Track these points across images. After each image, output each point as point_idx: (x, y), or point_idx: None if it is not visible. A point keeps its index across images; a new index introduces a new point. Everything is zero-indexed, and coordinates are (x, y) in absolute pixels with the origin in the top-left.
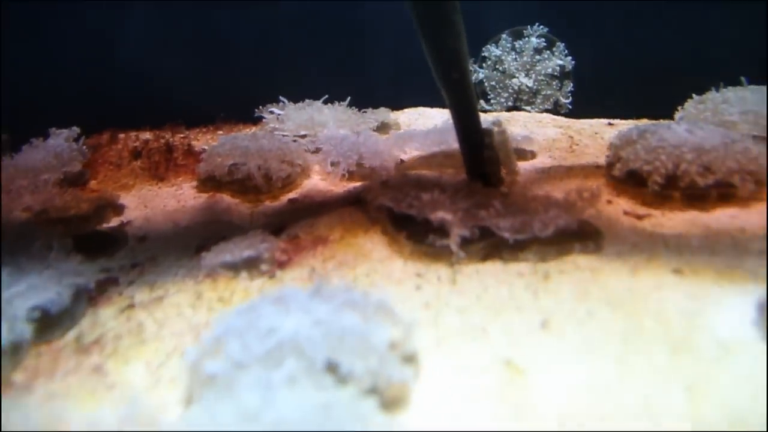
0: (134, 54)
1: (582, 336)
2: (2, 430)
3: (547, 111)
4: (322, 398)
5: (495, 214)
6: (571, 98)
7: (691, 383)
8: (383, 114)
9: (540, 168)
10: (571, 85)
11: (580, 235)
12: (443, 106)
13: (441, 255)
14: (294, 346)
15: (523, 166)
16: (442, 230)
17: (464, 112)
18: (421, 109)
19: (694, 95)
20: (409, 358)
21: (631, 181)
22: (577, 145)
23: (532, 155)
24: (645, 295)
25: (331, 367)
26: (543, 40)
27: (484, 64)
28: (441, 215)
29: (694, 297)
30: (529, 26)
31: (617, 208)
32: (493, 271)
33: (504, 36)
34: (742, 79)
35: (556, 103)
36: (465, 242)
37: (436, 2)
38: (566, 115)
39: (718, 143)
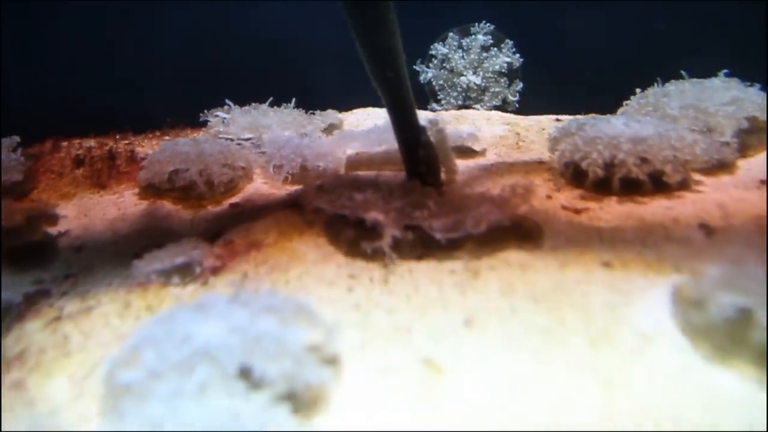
0: (80, 60)
1: (503, 332)
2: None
3: (496, 108)
4: (232, 405)
5: (428, 213)
6: (519, 95)
7: (609, 376)
8: (331, 115)
9: (483, 165)
10: (521, 83)
11: (514, 231)
12: None
13: (375, 256)
14: (208, 353)
15: (466, 163)
16: (375, 230)
17: (401, 111)
18: (370, 110)
19: (638, 90)
20: (330, 361)
21: (570, 175)
22: (524, 141)
23: (478, 153)
24: (571, 289)
25: (245, 373)
26: (490, 37)
27: (431, 63)
28: (374, 215)
29: (620, 290)
30: (476, 24)
31: (556, 203)
32: (426, 270)
33: (451, 34)
34: (683, 72)
35: (505, 101)
36: (399, 243)
37: (369, 1)
38: (516, 112)
39: (653, 133)
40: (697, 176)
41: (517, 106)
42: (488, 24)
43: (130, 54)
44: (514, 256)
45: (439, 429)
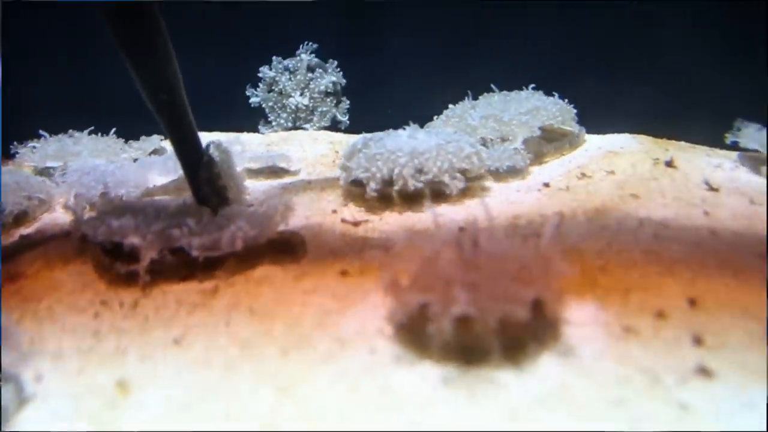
0: None
1: (207, 347)
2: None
3: (327, 128)
4: None
5: (188, 233)
6: (348, 114)
7: (286, 384)
8: (153, 142)
9: (285, 184)
10: (348, 101)
11: (273, 247)
12: (228, 130)
13: (133, 281)
14: None
15: (271, 183)
16: (133, 255)
17: (178, 135)
18: (204, 134)
19: (450, 105)
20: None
21: (357, 190)
22: (341, 159)
23: (289, 172)
24: (293, 300)
25: None
26: (314, 56)
27: (259, 87)
28: (131, 240)
29: (343, 297)
30: (300, 45)
31: (338, 217)
32: (181, 291)
33: (276, 57)
34: (492, 86)
35: (335, 119)
36: (161, 265)
37: (136, 27)
38: (347, 131)
39: (433, 146)
40: (488, 182)
41: (347, 124)
42: (311, 44)
43: None
44: (262, 271)
45: None
